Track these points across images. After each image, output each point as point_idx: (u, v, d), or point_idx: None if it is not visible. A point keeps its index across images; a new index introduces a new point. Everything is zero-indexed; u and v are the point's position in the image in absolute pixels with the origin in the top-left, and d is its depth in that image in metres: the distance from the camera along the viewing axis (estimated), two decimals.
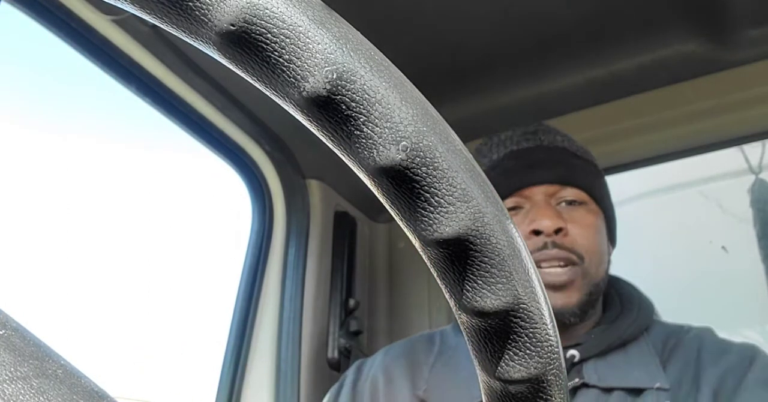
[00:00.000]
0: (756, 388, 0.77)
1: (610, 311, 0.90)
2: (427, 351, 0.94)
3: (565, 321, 0.83)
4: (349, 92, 0.20)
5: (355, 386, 0.94)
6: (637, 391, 0.79)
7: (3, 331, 0.19)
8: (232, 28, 0.20)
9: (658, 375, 0.80)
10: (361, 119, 0.20)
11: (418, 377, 0.90)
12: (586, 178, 0.91)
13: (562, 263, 0.83)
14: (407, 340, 1.00)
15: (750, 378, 0.78)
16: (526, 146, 0.94)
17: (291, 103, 0.21)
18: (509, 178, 0.90)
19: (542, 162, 0.91)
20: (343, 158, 0.22)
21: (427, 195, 0.21)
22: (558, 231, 0.84)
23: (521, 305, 0.22)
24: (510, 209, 0.89)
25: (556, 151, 0.93)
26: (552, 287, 0.83)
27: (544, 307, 0.23)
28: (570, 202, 0.89)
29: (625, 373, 0.81)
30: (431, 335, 0.99)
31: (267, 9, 0.20)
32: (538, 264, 0.83)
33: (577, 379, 0.81)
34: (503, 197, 0.88)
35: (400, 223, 0.22)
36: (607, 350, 0.83)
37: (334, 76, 0.20)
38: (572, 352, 0.82)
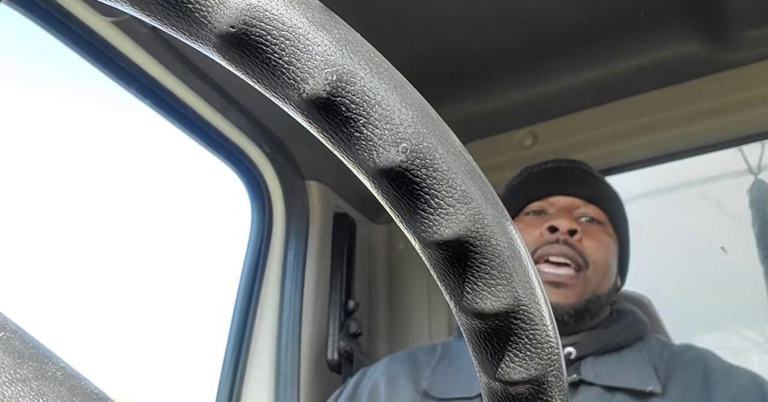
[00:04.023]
0: None
1: (605, 320, 0.97)
2: (429, 357, 1.00)
3: (558, 318, 0.86)
4: (349, 94, 0.20)
5: (355, 390, 1.00)
6: (641, 396, 0.83)
7: (2, 333, 0.19)
8: (231, 30, 0.20)
9: (650, 379, 0.85)
10: (361, 121, 0.20)
11: (420, 376, 0.95)
12: (608, 200, 1.01)
13: (567, 261, 0.90)
14: (408, 350, 1.06)
15: None
16: (564, 166, 1.05)
17: (291, 105, 0.21)
18: (542, 184, 1.01)
19: (571, 178, 1.02)
20: (342, 160, 0.22)
21: (427, 197, 0.21)
22: (572, 233, 0.92)
23: (521, 307, 0.22)
24: (536, 212, 0.99)
25: (585, 173, 1.04)
26: (552, 284, 0.89)
27: (544, 308, 0.23)
28: (590, 220, 0.97)
29: (620, 372, 0.86)
30: (433, 346, 1.05)
31: (267, 11, 0.20)
32: (546, 257, 0.91)
33: (575, 375, 0.86)
34: (533, 200, 0.99)
35: (400, 225, 0.22)
36: (602, 350, 0.89)
37: (334, 78, 0.20)
38: (569, 349, 0.89)
